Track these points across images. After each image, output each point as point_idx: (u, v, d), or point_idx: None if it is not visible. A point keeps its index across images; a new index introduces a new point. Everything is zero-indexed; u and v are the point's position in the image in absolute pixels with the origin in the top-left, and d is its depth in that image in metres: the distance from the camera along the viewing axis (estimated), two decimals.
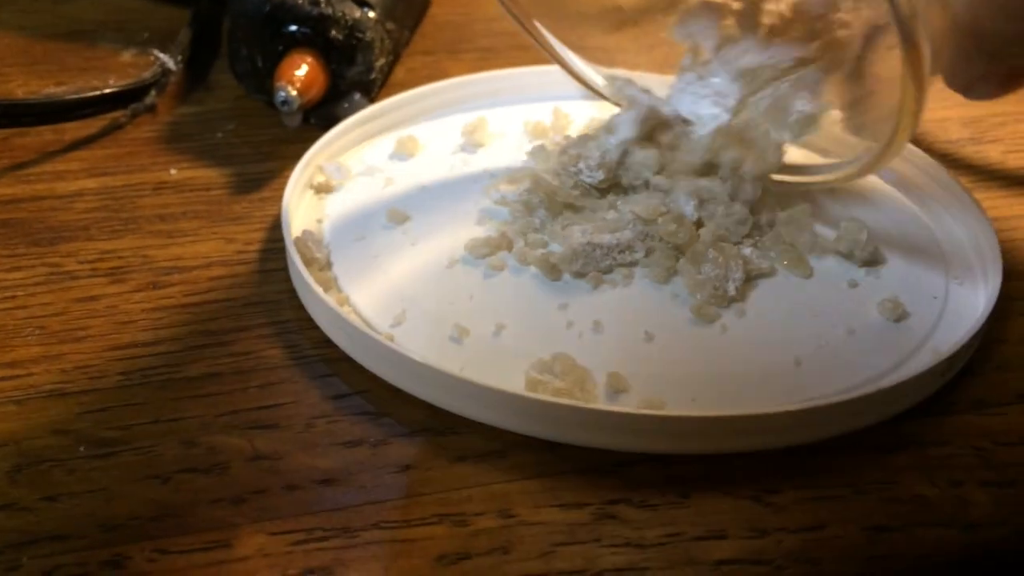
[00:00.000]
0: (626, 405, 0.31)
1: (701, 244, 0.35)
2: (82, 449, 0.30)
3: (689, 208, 0.36)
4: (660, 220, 0.36)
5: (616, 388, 0.31)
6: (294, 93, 0.41)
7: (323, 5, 0.42)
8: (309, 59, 0.42)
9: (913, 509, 0.29)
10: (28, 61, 0.48)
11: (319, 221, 0.38)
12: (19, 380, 0.32)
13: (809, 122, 0.36)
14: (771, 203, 0.37)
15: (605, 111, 0.40)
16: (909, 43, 0.29)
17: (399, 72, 0.48)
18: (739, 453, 0.30)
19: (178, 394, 0.32)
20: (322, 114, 0.43)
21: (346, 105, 0.43)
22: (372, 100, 0.44)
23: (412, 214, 0.38)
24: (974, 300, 0.35)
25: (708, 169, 0.37)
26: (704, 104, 0.37)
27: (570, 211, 0.37)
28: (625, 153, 0.37)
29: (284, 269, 0.36)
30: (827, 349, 0.33)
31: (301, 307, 0.35)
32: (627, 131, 0.37)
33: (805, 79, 0.36)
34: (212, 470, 0.29)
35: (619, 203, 0.37)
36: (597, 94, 0.41)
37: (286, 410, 0.31)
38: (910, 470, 0.30)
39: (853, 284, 0.36)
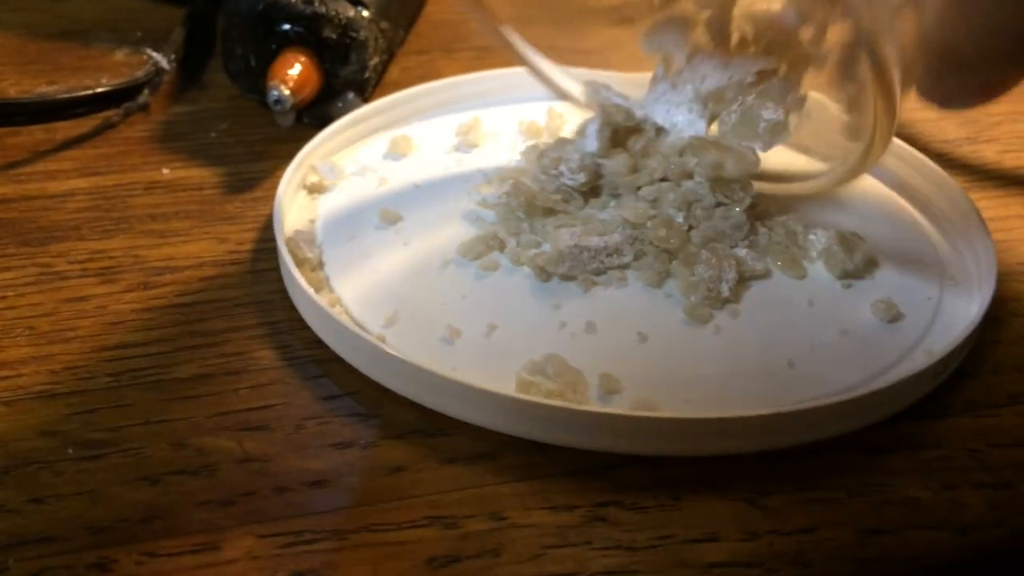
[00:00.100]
0: (619, 407, 0.31)
1: (693, 246, 0.35)
2: (70, 451, 0.30)
3: (679, 214, 0.36)
4: (649, 224, 0.36)
5: (609, 389, 0.31)
6: (287, 92, 0.41)
7: (317, 4, 0.42)
8: (302, 58, 0.42)
9: (906, 511, 0.29)
10: (21, 60, 0.48)
11: (312, 221, 0.38)
12: (8, 381, 0.32)
13: (779, 129, 0.36)
14: (765, 204, 0.37)
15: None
16: (874, 59, 0.28)
17: (393, 71, 0.48)
18: (731, 455, 0.30)
19: (168, 395, 0.31)
20: (315, 113, 0.43)
21: (340, 104, 0.43)
22: (366, 100, 0.44)
23: (405, 214, 0.38)
24: (968, 301, 0.35)
25: (686, 174, 0.37)
26: (680, 112, 0.37)
27: (550, 215, 0.37)
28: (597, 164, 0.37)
29: (276, 269, 0.36)
30: (820, 350, 0.33)
31: (293, 307, 0.34)
32: (591, 144, 0.37)
33: (770, 90, 0.36)
34: (201, 472, 0.29)
35: (610, 205, 0.37)
36: (567, 98, 0.41)
37: (276, 411, 0.31)
38: (903, 472, 0.30)
39: (847, 285, 0.35)
